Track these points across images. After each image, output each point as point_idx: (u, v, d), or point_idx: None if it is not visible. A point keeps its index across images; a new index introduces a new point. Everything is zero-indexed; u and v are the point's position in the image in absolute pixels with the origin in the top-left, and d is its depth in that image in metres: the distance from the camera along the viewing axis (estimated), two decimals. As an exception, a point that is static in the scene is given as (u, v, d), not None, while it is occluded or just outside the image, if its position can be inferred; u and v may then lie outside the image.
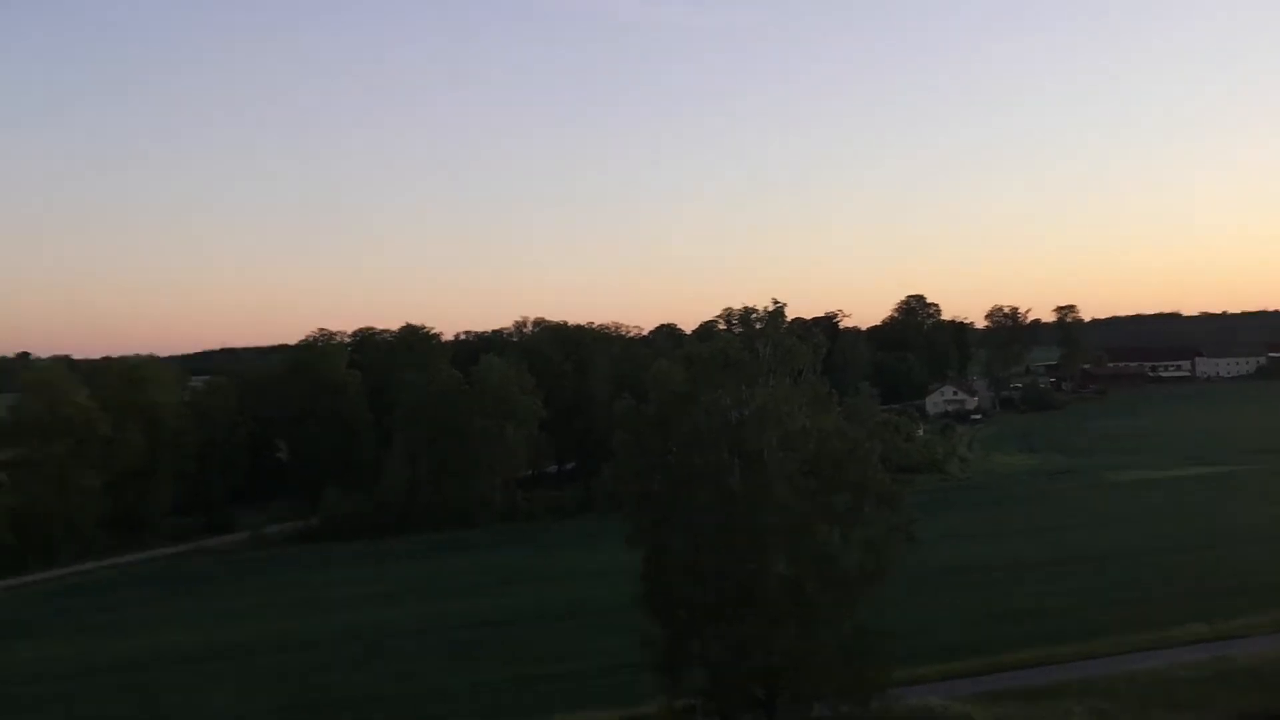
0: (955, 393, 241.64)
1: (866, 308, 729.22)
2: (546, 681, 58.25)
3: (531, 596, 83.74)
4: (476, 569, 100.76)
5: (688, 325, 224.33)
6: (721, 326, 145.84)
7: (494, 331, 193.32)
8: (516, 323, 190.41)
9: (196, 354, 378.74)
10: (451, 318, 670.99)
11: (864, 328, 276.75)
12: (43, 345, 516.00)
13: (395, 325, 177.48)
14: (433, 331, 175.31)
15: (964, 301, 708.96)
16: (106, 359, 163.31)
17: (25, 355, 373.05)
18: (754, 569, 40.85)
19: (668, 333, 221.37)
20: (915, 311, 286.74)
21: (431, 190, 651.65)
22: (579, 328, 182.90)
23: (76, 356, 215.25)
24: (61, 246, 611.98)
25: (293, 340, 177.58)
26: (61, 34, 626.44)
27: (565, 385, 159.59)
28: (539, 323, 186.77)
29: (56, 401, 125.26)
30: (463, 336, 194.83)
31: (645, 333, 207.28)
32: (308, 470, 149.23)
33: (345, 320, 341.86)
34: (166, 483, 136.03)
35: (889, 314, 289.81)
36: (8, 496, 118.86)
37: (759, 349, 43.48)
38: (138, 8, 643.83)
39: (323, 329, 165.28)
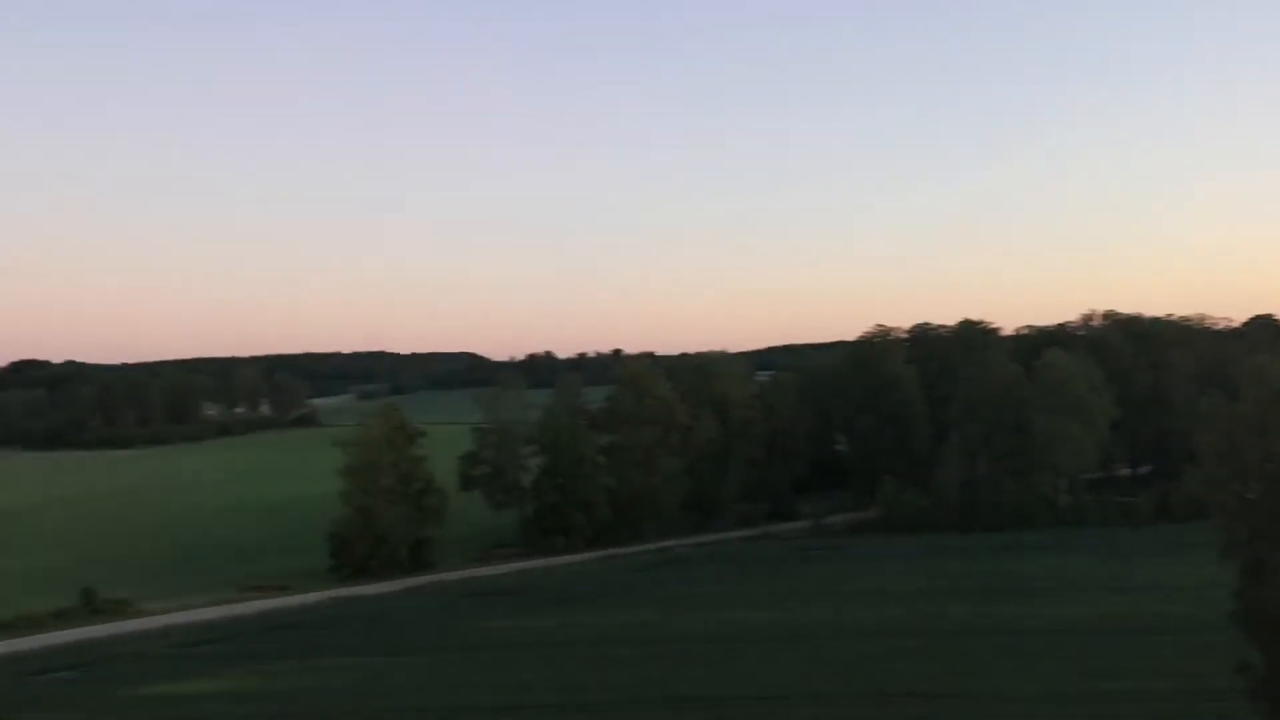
0: None
1: None
2: (1114, 699, 54.31)
3: (1098, 605, 78.55)
4: (1038, 572, 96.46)
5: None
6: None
7: (1057, 325, 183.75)
8: (1083, 315, 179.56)
9: (761, 350, 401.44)
10: (1011, 311, 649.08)
11: None
12: (632, 343, 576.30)
13: (952, 320, 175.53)
14: (991, 326, 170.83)
15: None
16: (684, 355, 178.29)
17: (618, 352, 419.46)
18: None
19: (1263, 324, 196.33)
20: None
21: (984, 183, 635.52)
22: (1154, 320, 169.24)
23: (659, 353, 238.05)
24: (643, 258, 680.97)
25: (850, 336, 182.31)
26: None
27: (1139, 382, 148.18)
28: (1108, 315, 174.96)
29: (644, 393, 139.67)
30: (1023, 331, 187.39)
31: (1236, 325, 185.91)
32: (865, 463, 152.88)
33: (902, 316, 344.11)
34: (736, 470, 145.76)
35: None
36: (605, 478, 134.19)
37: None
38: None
39: (880, 325, 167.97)
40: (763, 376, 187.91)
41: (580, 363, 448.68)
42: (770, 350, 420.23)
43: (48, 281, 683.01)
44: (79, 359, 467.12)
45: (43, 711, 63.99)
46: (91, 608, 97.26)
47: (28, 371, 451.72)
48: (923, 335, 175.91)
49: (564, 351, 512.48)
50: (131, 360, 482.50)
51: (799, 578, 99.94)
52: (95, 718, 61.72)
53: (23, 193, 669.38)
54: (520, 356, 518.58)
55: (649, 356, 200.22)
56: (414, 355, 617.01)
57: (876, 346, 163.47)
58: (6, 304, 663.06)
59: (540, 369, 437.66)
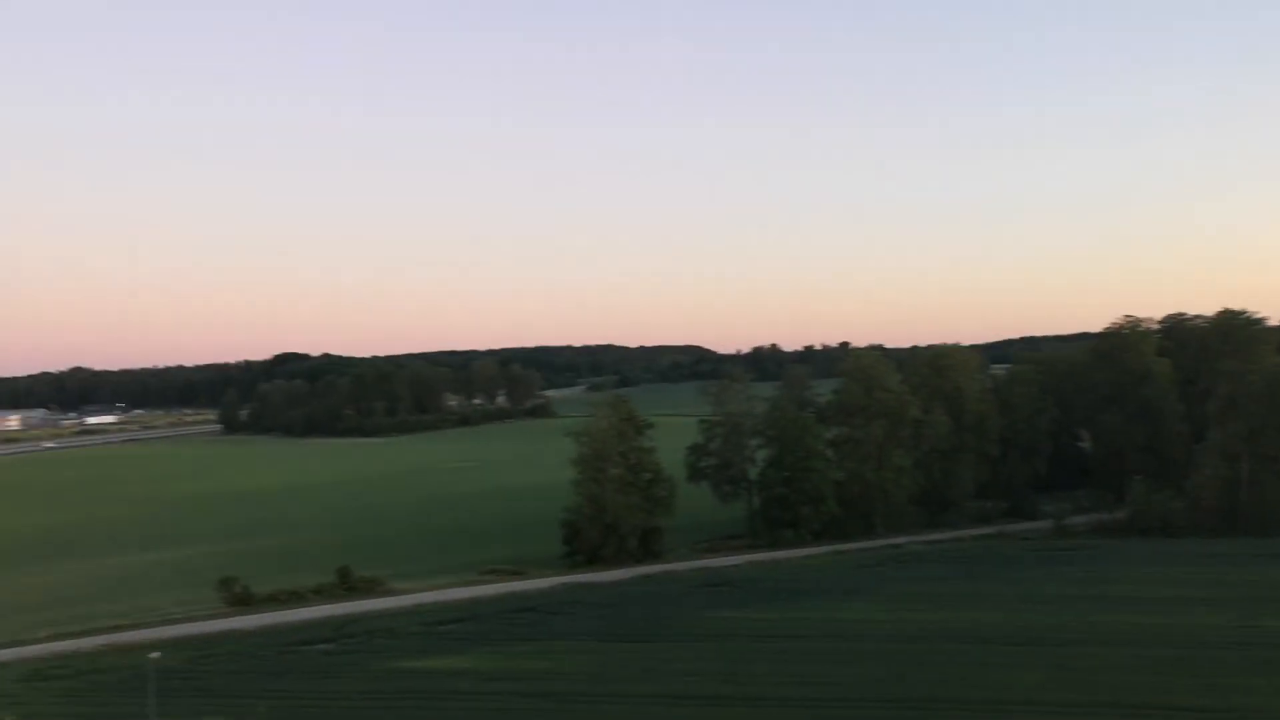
0: None
1: None
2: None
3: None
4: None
5: None
6: None
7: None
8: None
9: (997, 342, 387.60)
10: (1275, 301, 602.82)
11: None
12: (860, 336, 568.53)
13: (1210, 310, 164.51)
14: (1255, 316, 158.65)
15: None
16: (914, 347, 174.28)
17: (845, 344, 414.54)
18: None
19: None
20: None
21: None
22: None
23: (888, 346, 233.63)
24: (873, 250, 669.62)
25: (1095, 328, 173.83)
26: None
27: None
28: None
29: (872, 386, 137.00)
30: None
31: None
32: (1111, 461, 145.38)
33: (1153, 306, 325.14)
34: (969, 465, 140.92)
35: None
36: (834, 471, 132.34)
37: None
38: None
39: (1129, 316, 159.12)
40: (998, 369, 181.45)
41: (807, 355, 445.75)
42: (1006, 342, 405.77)
43: (307, 280, 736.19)
44: (334, 352, 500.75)
45: (303, 680, 68.87)
46: (346, 585, 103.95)
47: (289, 364, 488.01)
48: (1176, 326, 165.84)
49: (790, 344, 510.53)
50: (381, 353, 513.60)
51: (1038, 580, 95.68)
52: (352, 688, 65.93)
53: (285, 201, 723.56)
54: (746, 349, 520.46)
55: (878, 349, 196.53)
56: (641, 348, 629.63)
57: (1125, 338, 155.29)
58: (271, 301, 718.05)
59: (766, 362, 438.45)
